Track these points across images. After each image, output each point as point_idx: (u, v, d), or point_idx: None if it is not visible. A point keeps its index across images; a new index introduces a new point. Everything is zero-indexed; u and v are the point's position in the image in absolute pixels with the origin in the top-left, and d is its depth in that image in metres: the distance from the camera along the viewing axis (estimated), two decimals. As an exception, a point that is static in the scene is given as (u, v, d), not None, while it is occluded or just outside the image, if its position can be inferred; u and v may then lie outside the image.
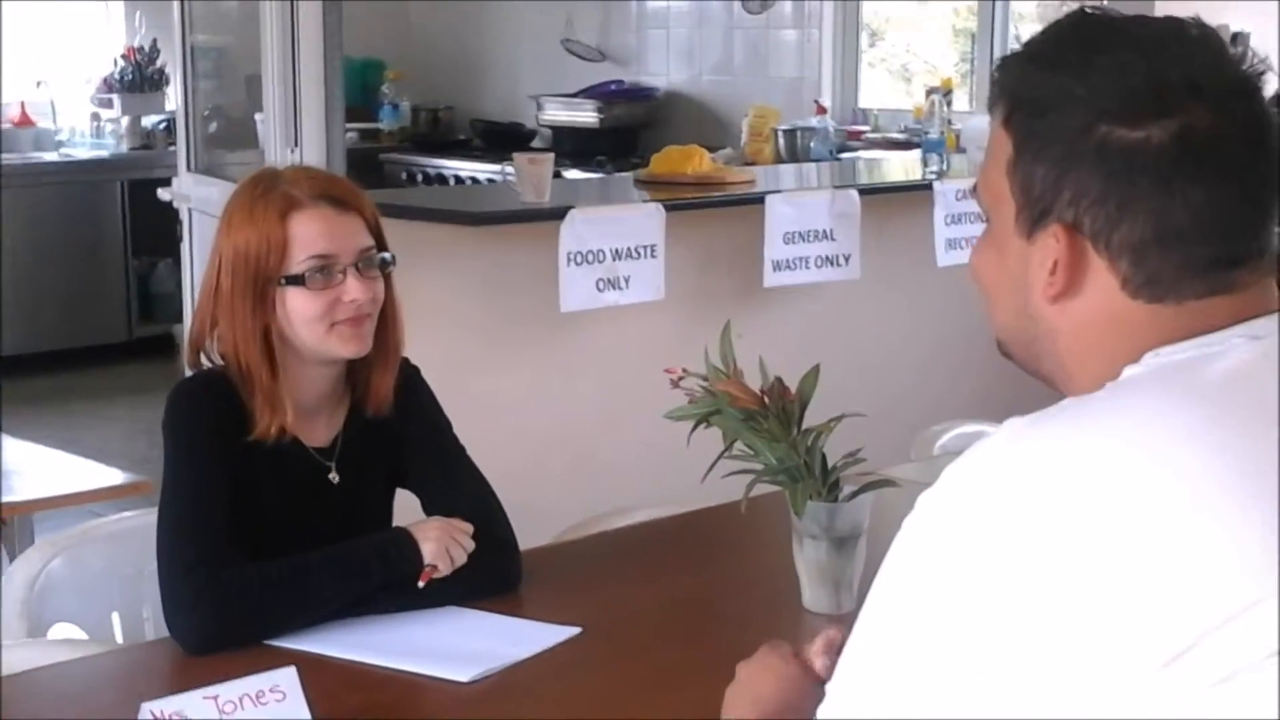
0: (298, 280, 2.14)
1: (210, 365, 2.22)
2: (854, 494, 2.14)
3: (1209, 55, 1.22)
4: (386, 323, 2.24)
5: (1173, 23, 1.24)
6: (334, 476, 2.23)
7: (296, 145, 4.46)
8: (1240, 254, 1.22)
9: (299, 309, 2.14)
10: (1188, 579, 1.07)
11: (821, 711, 1.22)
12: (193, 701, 1.72)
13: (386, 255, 2.23)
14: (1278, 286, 1.25)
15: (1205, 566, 1.07)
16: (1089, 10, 1.27)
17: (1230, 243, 1.21)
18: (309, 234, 2.15)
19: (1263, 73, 1.23)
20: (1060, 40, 1.25)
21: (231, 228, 2.18)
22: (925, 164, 5.09)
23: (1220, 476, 1.10)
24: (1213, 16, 1.31)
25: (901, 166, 5.56)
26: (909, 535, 1.18)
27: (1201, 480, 1.10)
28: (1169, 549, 1.08)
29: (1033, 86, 1.24)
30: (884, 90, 7.04)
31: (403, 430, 2.29)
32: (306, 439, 2.21)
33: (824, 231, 4.45)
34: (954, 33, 6.98)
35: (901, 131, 6.43)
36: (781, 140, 6.40)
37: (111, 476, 3.08)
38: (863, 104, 6.89)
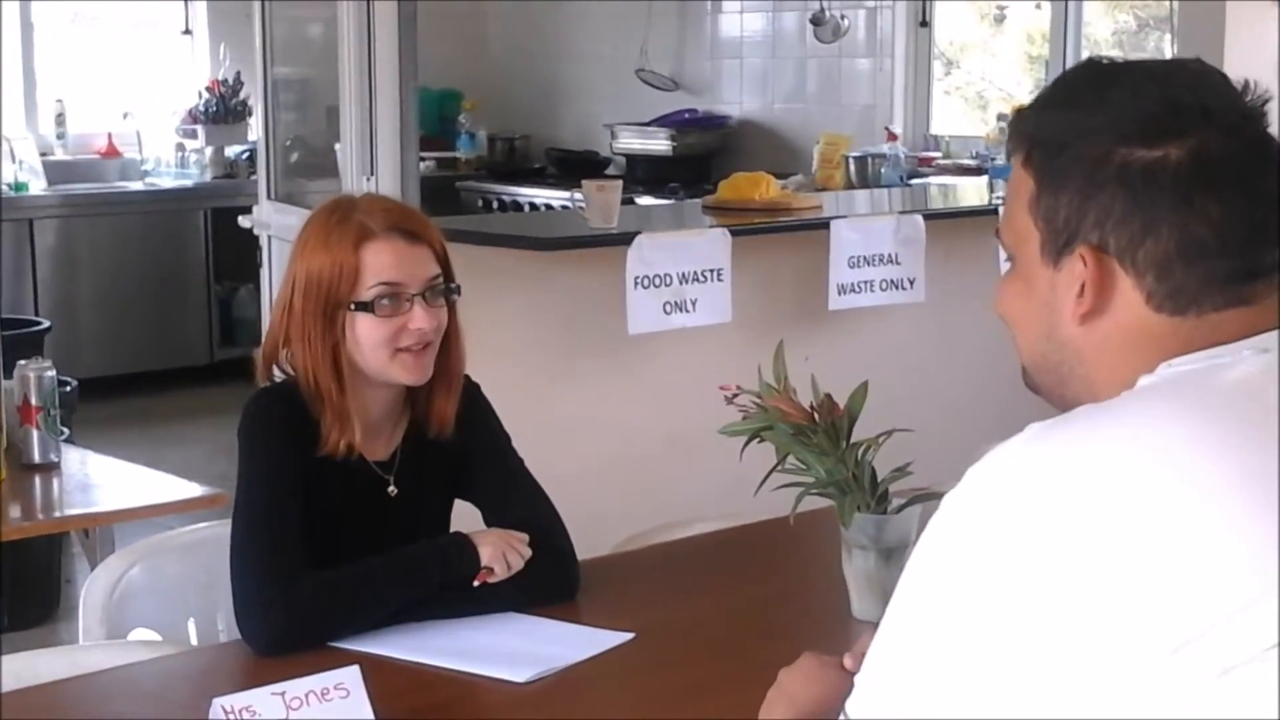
0: (366, 306, 2.21)
1: (282, 377, 2.30)
2: (902, 507, 2.19)
3: (1214, 85, 1.30)
4: (449, 349, 2.31)
5: (1176, 59, 1.33)
6: (392, 490, 2.31)
7: (372, 173, 4.57)
8: (1256, 267, 1.28)
9: (366, 333, 2.22)
10: (1195, 572, 1.12)
11: (850, 702, 1.29)
12: (261, 698, 1.78)
13: (452, 285, 2.30)
14: None
15: (1211, 561, 1.13)
16: (1095, 57, 1.36)
17: (1247, 256, 1.28)
18: (380, 263, 2.22)
19: (1266, 102, 1.30)
20: (1071, 83, 1.35)
21: (307, 252, 2.26)
22: (992, 189, 5.14)
23: (1226, 478, 1.16)
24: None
25: (973, 192, 5.60)
26: (934, 532, 1.24)
27: (1208, 481, 1.16)
28: (1177, 543, 1.13)
29: (1049, 126, 1.32)
30: (959, 117, 7.07)
31: (463, 445, 2.36)
32: (368, 453, 2.29)
33: (889, 256, 4.50)
34: (1029, 60, 7.01)
35: (973, 158, 6.47)
36: (852, 167, 6.45)
37: (189, 489, 3.17)
38: (935, 130, 6.93)
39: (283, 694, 1.80)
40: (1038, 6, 6.75)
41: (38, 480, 3.24)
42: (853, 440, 2.16)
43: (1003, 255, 1.39)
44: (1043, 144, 1.32)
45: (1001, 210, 1.39)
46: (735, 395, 2.22)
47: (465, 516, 2.41)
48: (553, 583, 2.27)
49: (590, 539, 2.42)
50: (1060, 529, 1.16)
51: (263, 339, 2.34)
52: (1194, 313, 1.28)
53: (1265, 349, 1.26)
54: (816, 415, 2.17)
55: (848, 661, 1.60)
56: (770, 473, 2.18)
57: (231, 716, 1.76)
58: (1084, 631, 1.13)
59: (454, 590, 2.18)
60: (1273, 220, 1.29)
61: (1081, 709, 1.14)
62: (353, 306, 2.22)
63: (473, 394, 2.40)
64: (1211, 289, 1.27)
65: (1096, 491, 1.16)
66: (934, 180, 6.27)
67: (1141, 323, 1.29)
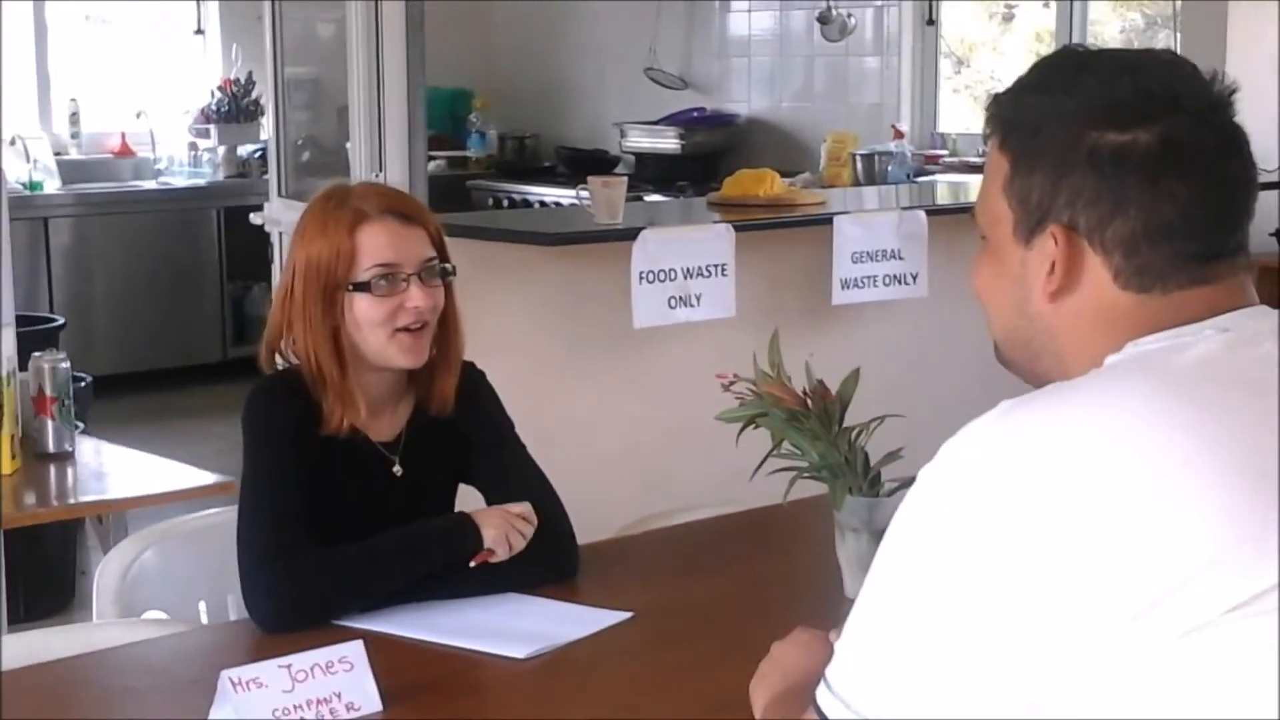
0: (364, 287, 2.27)
1: (285, 366, 2.36)
2: (894, 490, 2.24)
3: (1185, 75, 1.36)
4: (448, 330, 2.37)
5: (1149, 50, 1.40)
6: (397, 469, 2.36)
7: (381, 170, 4.63)
8: (1219, 249, 1.34)
9: (364, 313, 2.28)
10: (1152, 540, 1.18)
11: (829, 668, 1.34)
12: (268, 670, 1.83)
13: (447, 265, 2.36)
14: (1251, 281, 1.37)
15: (1168, 529, 1.18)
16: (1071, 45, 1.43)
17: (1211, 238, 1.34)
18: (375, 244, 2.28)
19: (1234, 92, 1.36)
20: (1046, 69, 1.41)
21: (305, 239, 2.33)
22: (996, 186, 5.16)
23: (1184, 451, 1.21)
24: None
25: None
26: (908, 503, 1.30)
27: (1166, 453, 1.21)
28: (1135, 513, 1.18)
29: (1024, 110, 1.39)
30: (969, 115, 7.11)
31: (466, 428, 2.41)
32: (372, 434, 2.34)
33: (892, 251, 4.55)
34: (1037, 58, 7.04)
35: (980, 155, 6.50)
36: (859, 164, 6.50)
37: (201, 478, 3.23)
38: (942, 129, 6.97)
39: (289, 666, 1.85)
40: (1046, 4, 6.78)
41: (52, 469, 3.30)
42: (845, 425, 2.22)
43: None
44: (1017, 127, 1.39)
45: (978, 193, 1.44)
46: (732, 383, 2.27)
47: (468, 498, 2.46)
48: (552, 563, 2.32)
49: (592, 527, 2.47)
50: (1024, 501, 1.21)
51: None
52: (1159, 290, 1.33)
53: (1226, 328, 1.32)
54: (809, 401, 2.22)
55: (833, 636, 1.65)
56: (766, 457, 2.22)
57: (239, 688, 1.81)
58: (1046, 600, 1.19)
59: (456, 569, 2.23)
60: (1236, 205, 1.35)
61: (1047, 676, 1.19)
62: (350, 288, 2.28)
63: (476, 380, 2.45)
64: (1176, 268, 1.33)
65: (1059, 465, 1.21)
66: (941, 178, 6.32)
67: (1109, 300, 1.35)
